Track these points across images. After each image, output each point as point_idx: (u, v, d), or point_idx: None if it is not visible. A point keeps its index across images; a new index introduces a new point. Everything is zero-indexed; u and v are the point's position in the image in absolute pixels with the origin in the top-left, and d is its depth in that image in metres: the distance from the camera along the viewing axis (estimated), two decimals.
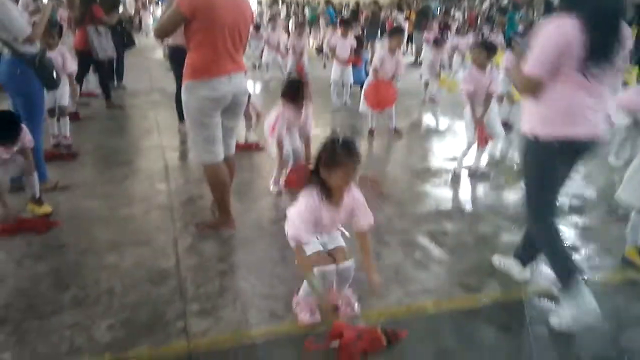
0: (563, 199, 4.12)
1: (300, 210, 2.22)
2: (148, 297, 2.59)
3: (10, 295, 2.57)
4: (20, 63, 3.53)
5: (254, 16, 3.28)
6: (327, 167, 2.16)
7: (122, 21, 7.92)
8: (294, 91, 3.87)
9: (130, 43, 8.04)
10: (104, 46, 6.76)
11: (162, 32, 3.03)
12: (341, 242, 2.42)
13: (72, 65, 5.07)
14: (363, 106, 5.94)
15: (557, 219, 2.58)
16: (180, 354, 2.21)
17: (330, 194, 2.23)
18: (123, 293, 2.61)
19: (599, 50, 2.22)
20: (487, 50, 4.44)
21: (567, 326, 2.39)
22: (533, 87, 2.36)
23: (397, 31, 6.10)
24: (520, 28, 10.35)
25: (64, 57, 4.89)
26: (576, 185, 4.44)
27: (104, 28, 6.77)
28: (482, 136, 4.50)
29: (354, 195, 2.31)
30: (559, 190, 2.58)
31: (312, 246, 2.29)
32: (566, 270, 2.44)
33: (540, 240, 2.62)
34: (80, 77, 6.87)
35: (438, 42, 8.17)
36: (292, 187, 3.99)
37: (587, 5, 2.21)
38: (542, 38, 2.30)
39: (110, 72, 7.80)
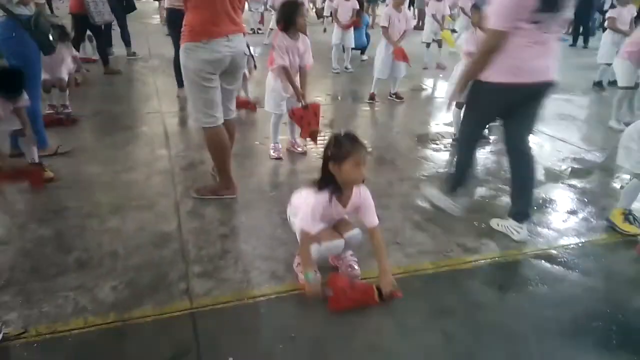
0: (568, 163, 4.14)
1: (313, 207, 2.25)
2: (151, 259, 2.63)
3: (15, 258, 2.61)
4: (15, 25, 3.47)
5: None
6: (336, 162, 2.18)
7: None
8: (290, 13, 3.71)
9: (131, 7, 7.90)
10: (101, 10, 6.63)
11: None
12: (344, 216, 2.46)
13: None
14: (380, 67, 5.78)
15: (477, 147, 3.27)
16: (184, 313, 2.25)
17: (341, 191, 2.26)
18: (126, 256, 2.65)
19: (549, 1, 2.46)
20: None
21: (429, 197, 3.32)
22: (499, 40, 2.53)
23: None
24: None
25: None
26: (577, 150, 4.45)
27: None
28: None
29: (364, 195, 2.34)
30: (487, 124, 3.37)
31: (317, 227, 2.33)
32: (456, 182, 3.20)
33: (458, 156, 3.23)
34: (76, 42, 6.79)
35: None
36: (296, 121, 4.01)
37: None
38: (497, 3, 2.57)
39: (107, 37, 7.70)
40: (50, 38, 3.74)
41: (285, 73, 3.74)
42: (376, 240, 2.39)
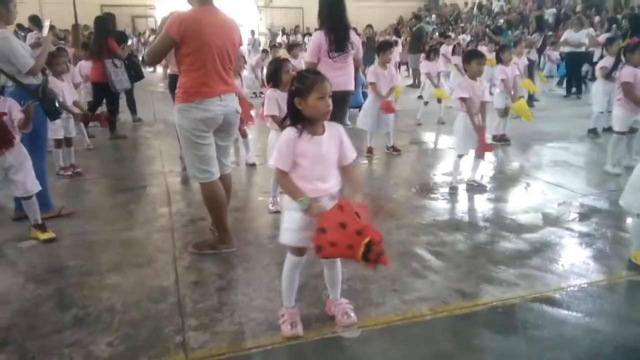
0: (565, 207, 4.16)
1: (281, 142, 2.26)
2: (148, 314, 2.64)
3: (13, 317, 2.63)
4: (23, 94, 3.65)
5: (241, 38, 3.39)
6: (302, 96, 2.21)
7: (130, 55, 8.14)
8: (275, 70, 3.85)
9: (139, 76, 8.25)
10: (121, 78, 6.98)
11: (153, 57, 3.16)
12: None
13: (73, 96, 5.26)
14: (362, 120, 5.98)
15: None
16: None
17: (310, 124, 2.26)
18: (123, 311, 2.66)
19: (336, 44, 4.31)
20: (475, 58, 4.53)
21: None
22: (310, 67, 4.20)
23: (384, 45, 6.19)
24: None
25: (65, 90, 5.07)
26: (574, 195, 4.49)
27: (119, 61, 6.97)
28: (483, 145, 4.52)
29: (337, 127, 2.35)
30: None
31: (303, 241, 2.33)
32: None
33: None
34: (93, 108, 7.09)
35: (430, 55, 8.30)
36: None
37: (327, 23, 4.34)
38: (311, 42, 4.53)
39: (115, 104, 7.98)
40: (57, 105, 3.93)
41: (275, 121, 3.85)
42: (349, 171, 2.37)
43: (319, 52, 4.31)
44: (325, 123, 2.33)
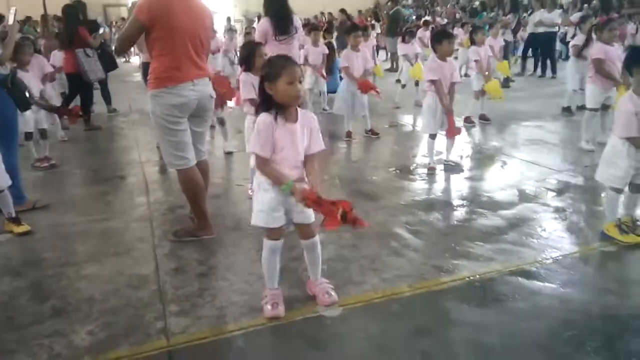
0: (541, 184, 4.24)
1: (258, 128, 2.26)
2: (128, 301, 2.62)
3: None
4: None
5: (213, 23, 3.35)
6: (272, 80, 2.21)
7: (103, 44, 7.96)
8: (248, 54, 3.83)
9: (113, 65, 8.09)
10: (94, 68, 6.80)
11: (123, 43, 3.11)
12: (309, 219, 2.42)
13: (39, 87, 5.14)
14: (337, 104, 5.98)
15: None
16: (160, 352, 2.24)
17: (282, 110, 2.26)
18: (103, 299, 2.64)
19: (280, 29, 4.87)
20: (446, 37, 4.55)
21: None
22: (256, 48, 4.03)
23: (352, 28, 6.15)
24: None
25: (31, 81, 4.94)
26: (549, 171, 4.57)
27: (92, 50, 6.81)
28: (452, 127, 4.56)
29: (310, 115, 2.37)
30: None
31: (275, 222, 2.35)
32: None
33: None
34: (69, 100, 6.93)
35: (405, 37, 8.30)
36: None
37: (271, 11, 4.93)
38: (257, 28, 5.10)
39: (90, 95, 7.83)
40: (27, 95, 3.84)
41: (252, 105, 3.82)
42: (313, 163, 2.36)
43: (265, 36, 4.91)
44: (300, 111, 2.33)
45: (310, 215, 2.40)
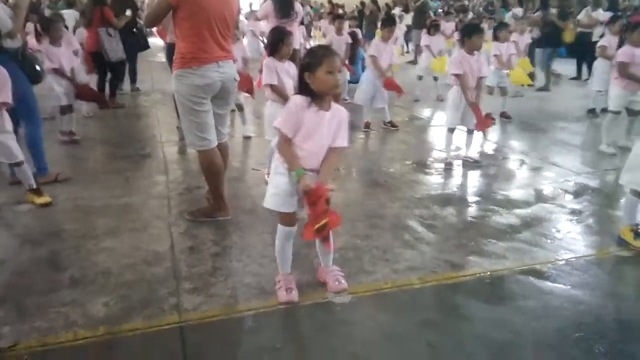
0: (558, 185, 4.20)
1: (291, 107, 2.28)
2: (143, 276, 2.69)
3: (11, 277, 2.68)
4: (5, 59, 3.55)
5: (240, 6, 3.38)
6: (311, 70, 2.23)
7: (138, 23, 8.03)
8: (277, 40, 3.83)
9: (145, 45, 8.18)
10: (114, 48, 6.87)
11: (151, 20, 3.16)
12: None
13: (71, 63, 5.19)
14: (359, 95, 5.98)
15: None
16: (172, 327, 2.29)
17: (318, 99, 2.27)
18: (119, 273, 2.71)
19: (282, 12, 5.68)
20: (476, 32, 4.50)
21: None
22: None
23: (388, 20, 6.13)
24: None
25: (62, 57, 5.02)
26: (568, 173, 4.52)
27: (114, 30, 6.89)
28: (481, 120, 4.51)
29: (342, 110, 2.37)
30: None
31: (287, 206, 2.38)
32: None
33: None
34: (101, 80, 7.01)
35: (431, 30, 8.21)
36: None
37: None
38: (261, 9, 6.00)
39: (121, 74, 7.94)
40: (37, 68, 3.89)
41: (274, 91, 3.85)
42: (333, 156, 2.36)
43: (266, 17, 5.95)
44: (333, 104, 2.35)
45: None
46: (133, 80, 8.26)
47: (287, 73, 3.87)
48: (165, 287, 2.59)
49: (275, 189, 2.38)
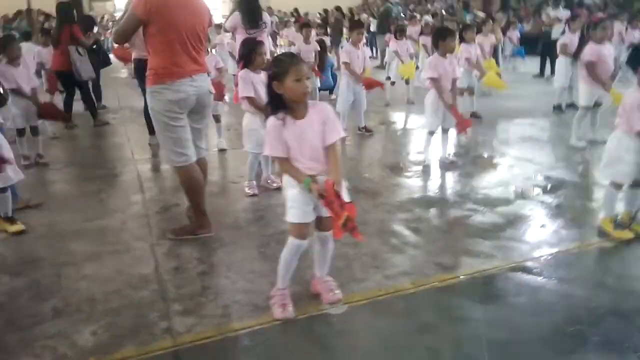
0: (534, 181, 4.28)
1: (268, 132, 2.30)
2: (130, 301, 2.60)
3: None
4: None
5: (212, 19, 3.34)
6: (279, 79, 2.21)
7: (98, 40, 7.85)
8: (249, 51, 3.83)
9: (107, 62, 8.00)
10: (85, 67, 6.67)
11: (121, 36, 3.09)
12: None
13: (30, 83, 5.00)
14: (341, 103, 5.96)
15: None
16: (166, 352, 2.22)
17: (292, 109, 2.26)
18: (104, 300, 2.61)
19: (250, 23, 5.44)
20: (450, 35, 4.57)
21: None
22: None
23: (357, 24, 6.16)
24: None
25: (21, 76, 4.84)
26: (542, 169, 4.62)
27: (83, 49, 6.69)
28: (460, 121, 4.57)
29: (322, 107, 2.35)
30: None
31: (307, 217, 2.34)
32: None
33: None
34: (68, 101, 6.79)
35: (397, 34, 8.30)
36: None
37: (242, 7, 5.54)
38: (228, 21, 5.87)
39: (96, 92, 7.75)
40: (1, 91, 3.78)
41: (251, 103, 3.81)
42: (333, 152, 2.32)
43: (234, 29, 5.72)
44: (311, 104, 2.32)
45: None
46: (98, 98, 8.06)
47: (263, 84, 3.82)
48: (155, 310, 2.51)
49: (291, 202, 2.35)
